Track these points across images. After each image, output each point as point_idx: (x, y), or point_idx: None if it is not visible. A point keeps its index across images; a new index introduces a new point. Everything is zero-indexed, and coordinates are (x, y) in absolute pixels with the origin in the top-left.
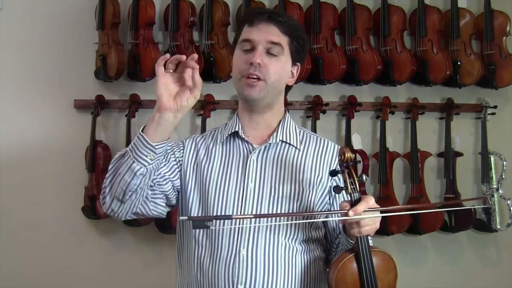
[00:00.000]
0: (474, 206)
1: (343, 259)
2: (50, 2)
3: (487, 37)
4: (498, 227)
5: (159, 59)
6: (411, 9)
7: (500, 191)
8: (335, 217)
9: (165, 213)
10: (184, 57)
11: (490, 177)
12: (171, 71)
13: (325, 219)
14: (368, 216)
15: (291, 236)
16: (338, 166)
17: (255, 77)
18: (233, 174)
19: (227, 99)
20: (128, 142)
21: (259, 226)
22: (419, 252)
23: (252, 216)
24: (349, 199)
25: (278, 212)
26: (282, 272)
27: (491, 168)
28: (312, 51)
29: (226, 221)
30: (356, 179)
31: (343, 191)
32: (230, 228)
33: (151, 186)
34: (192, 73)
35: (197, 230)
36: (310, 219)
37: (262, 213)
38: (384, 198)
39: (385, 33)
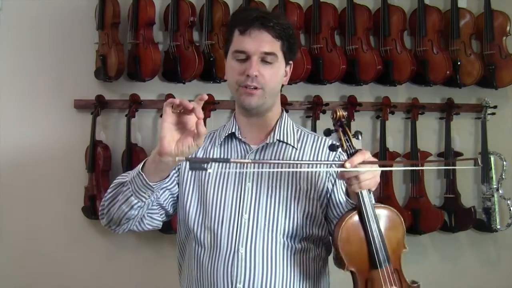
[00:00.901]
0: (464, 165)
1: (346, 217)
2: (50, 2)
3: (487, 37)
4: (498, 227)
5: (167, 101)
6: (411, 9)
7: (500, 191)
8: (333, 169)
9: (161, 225)
10: (191, 105)
11: (490, 177)
12: (178, 111)
13: (323, 169)
14: (366, 168)
15: (290, 235)
16: (332, 126)
17: (252, 87)
18: (231, 174)
19: (227, 99)
20: (128, 142)
21: (257, 225)
22: (419, 252)
23: (250, 161)
24: (346, 156)
25: (276, 210)
26: (281, 271)
27: (491, 168)
28: (312, 51)
29: (223, 164)
30: (351, 136)
31: (339, 149)
32: (229, 226)
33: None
34: (197, 123)
35: (197, 226)
36: (310, 167)
37: (260, 211)
38: (384, 198)
39: (385, 33)
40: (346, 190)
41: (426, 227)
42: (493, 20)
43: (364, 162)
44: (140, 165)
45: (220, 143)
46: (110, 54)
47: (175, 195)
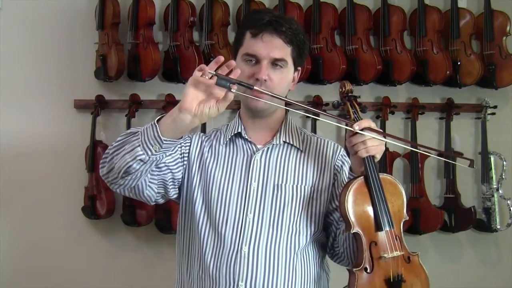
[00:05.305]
0: (460, 163)
1: (352, 181)
2: (50, 2)
3: (487, 37)
4: (498, 227)
5: (199, 67)
6: (411, 9)
7: (500, 191)
8: (343, 125)
9: (153, 201)
10: (233, 63)
11: (490, 177)
12: (206, 77)
13: (333, 123)
14: (371, 135)
15: (294, 234)
16: (339, 99)
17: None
18: (237, 173)
19: None
20: None
21: (261, 225)
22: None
23: (271, 94)
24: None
25: (281, 211)
26: (283, 270)
27: (491, 168)
28: (312, 51)
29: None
30: (358, 108)
31: (347, 120)
32: (233, 224)
33: (152, 170)
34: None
35: (200, 224)
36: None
37: (265, 211)
38: None
39: (385, 33)
40: (350, 167)
41: (426, 227)
42: (493, 20)
43: (370, 129)
44: (156, 118)
45: (225, 142)
46: (110, 54)
47: (177, 182)
